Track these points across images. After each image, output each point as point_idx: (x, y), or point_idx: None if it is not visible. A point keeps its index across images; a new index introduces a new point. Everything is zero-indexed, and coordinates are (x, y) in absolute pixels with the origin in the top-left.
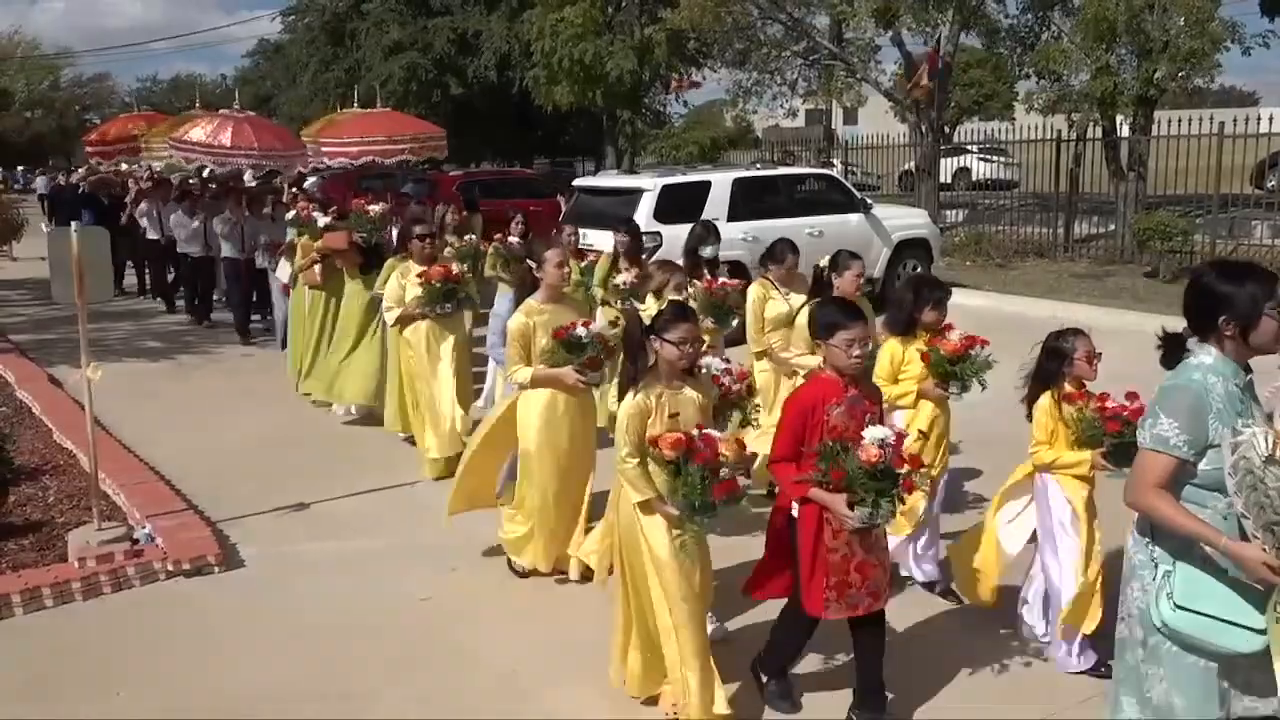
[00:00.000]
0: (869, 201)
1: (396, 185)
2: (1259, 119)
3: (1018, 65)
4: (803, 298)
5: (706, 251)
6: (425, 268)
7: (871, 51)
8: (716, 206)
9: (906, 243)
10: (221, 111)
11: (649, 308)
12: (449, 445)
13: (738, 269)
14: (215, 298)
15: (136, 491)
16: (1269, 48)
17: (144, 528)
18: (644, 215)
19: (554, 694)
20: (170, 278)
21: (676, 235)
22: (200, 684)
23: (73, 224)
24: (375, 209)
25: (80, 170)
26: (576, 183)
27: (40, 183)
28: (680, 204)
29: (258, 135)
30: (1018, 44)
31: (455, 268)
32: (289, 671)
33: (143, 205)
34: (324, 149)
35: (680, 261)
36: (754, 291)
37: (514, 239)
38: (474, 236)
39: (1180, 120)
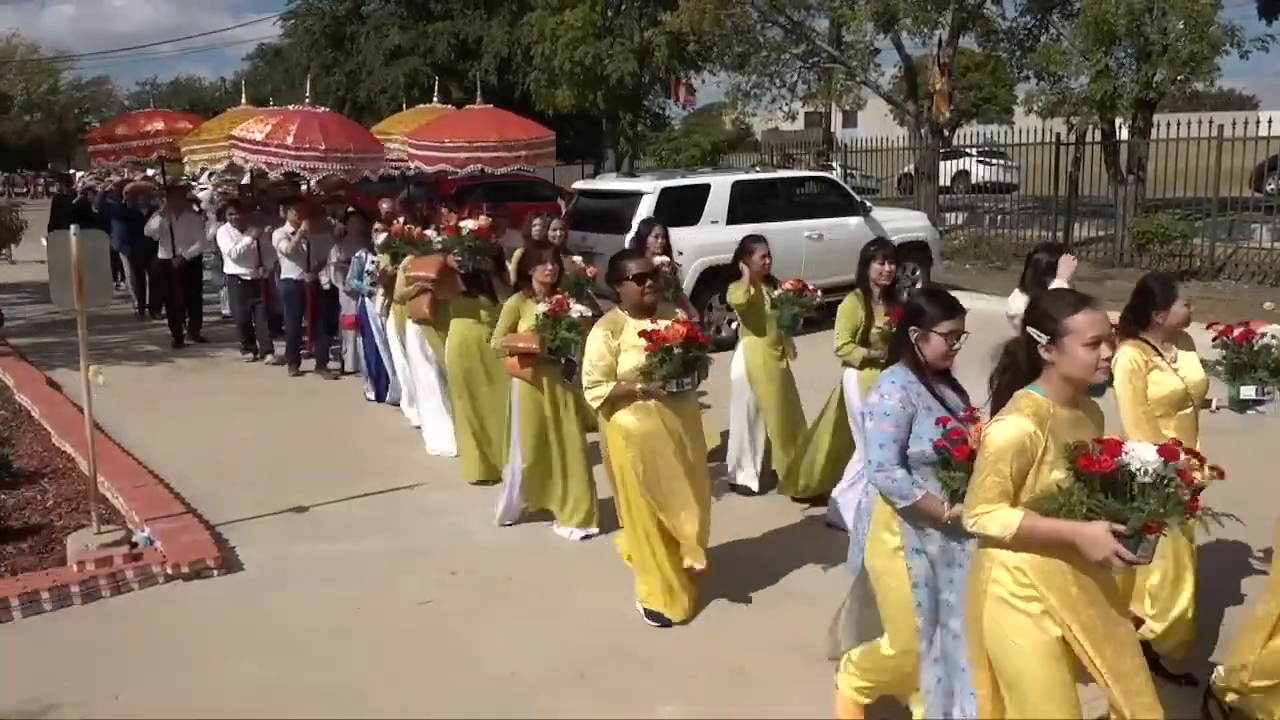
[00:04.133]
0: (868, 204)
1: (396, 188)
2: (1258, 122)
3: (1017, 67)
4: (1193, 356)
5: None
6: (650, 325)
7: (871, 54)
8: (716, 209)
9: (906, 246)
10: (294, 107)
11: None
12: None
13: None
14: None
15: (136, 494)
16: (1268, 51)
17: (143, 531)
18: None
19: (553, 696)
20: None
21: (676, 238)
22: (199, 687)
23: (72, 227)
24: (471, 224)
25: (83, 176)
26: (576, 185)
27: (58, 186)
28: (680, 207)
29: (349, 135)
30: (1016, 46)
31: (690, 324)
32: (288, 674)
33: (155, 219)
34: (417, 153)
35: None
36: (1126, 360)
37: (661, 258)
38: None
39: (1179, 123)
